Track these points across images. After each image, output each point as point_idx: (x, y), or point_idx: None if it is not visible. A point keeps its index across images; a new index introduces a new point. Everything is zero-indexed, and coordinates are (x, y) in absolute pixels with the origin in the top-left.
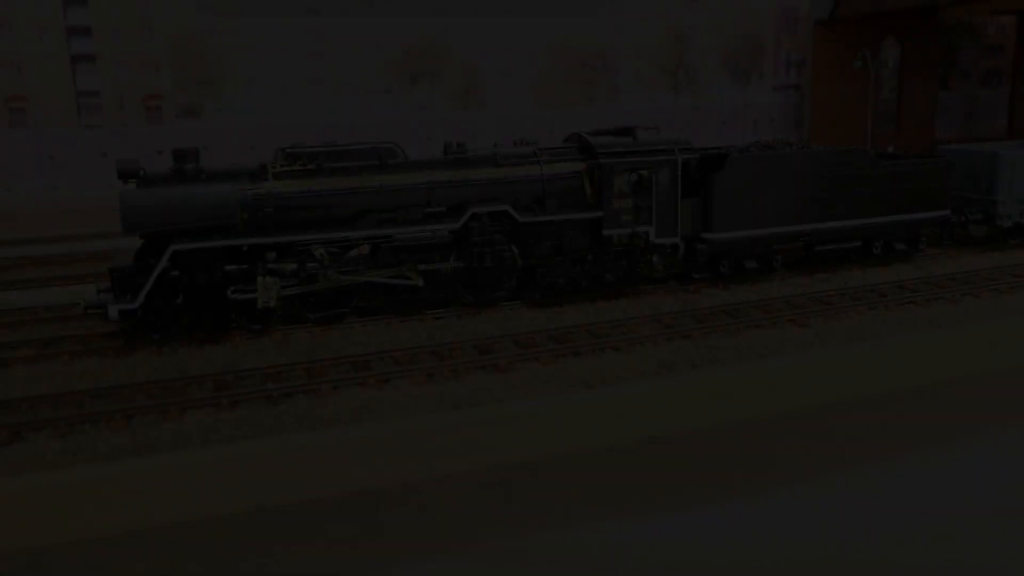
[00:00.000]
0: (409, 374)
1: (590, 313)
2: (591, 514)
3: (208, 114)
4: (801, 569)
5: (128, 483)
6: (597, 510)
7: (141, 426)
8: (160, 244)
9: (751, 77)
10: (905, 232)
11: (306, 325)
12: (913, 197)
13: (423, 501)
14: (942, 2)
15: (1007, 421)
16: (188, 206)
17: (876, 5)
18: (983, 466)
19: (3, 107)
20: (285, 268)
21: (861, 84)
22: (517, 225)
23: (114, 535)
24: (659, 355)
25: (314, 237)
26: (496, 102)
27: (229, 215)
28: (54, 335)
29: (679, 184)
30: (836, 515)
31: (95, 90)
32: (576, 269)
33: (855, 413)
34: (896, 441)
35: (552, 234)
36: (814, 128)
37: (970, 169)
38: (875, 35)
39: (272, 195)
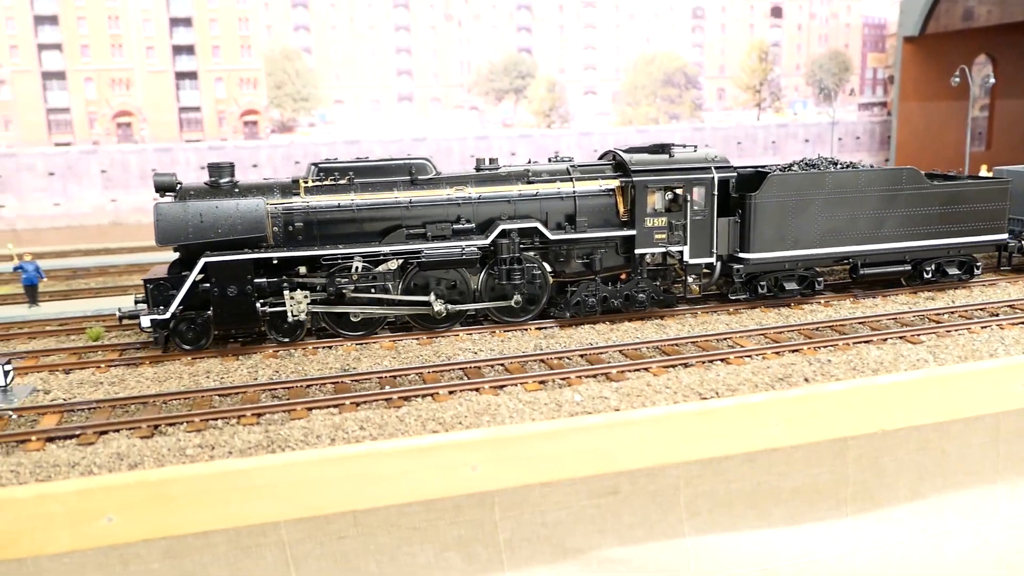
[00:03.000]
0: (522, 381)
1: (693, 327)
2: (706, 524)
3: (302, 130)
4: None
5: (263, 477)
6: (713, 519)
7: (271, 424)
8: (193, 256)
9: (837, 95)
10: (959, 256)
11: (413, 332)
12: (968, 219)
13: (538, 504)
14: None
15: None
16: (219, 219)
17: (968, 21)
18: None
19: (112, 122)
20: (314, 282)
21: (952, 102)
22: (547, 242)
23: (248, 527)
24: (772, 369)
25: (343, 251)
26: (579, 119)
27: (259, 228)
28: None
29: (715, 203)
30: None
31: (196, 106)
32: (608, 288)
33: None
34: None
35: (583, 252)
36: (900, 147)
37: None
38: (966, 52)
39: (302, 209)
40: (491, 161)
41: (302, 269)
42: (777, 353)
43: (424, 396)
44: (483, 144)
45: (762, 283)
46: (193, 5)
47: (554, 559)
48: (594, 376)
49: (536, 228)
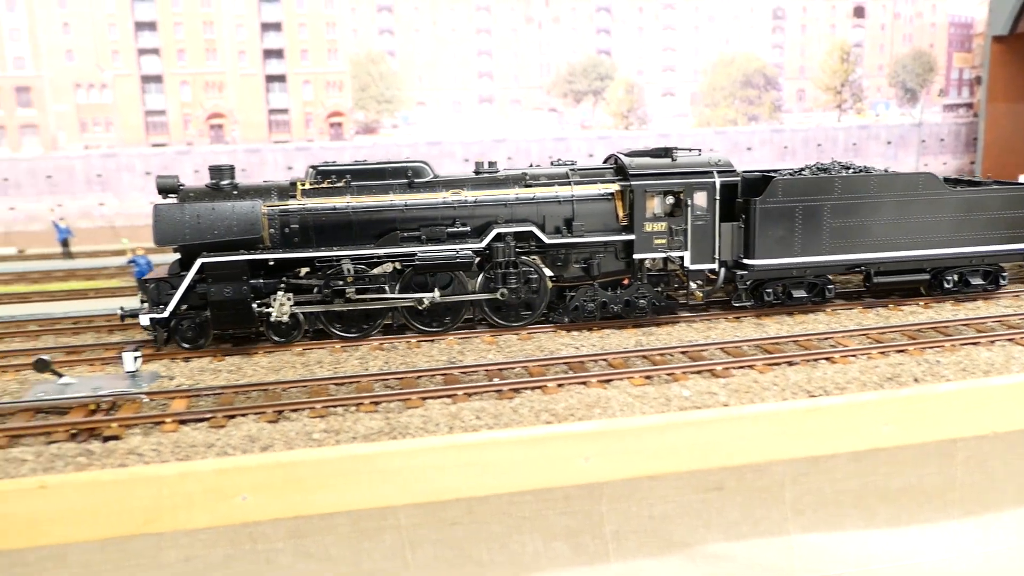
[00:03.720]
0: (628, 376)
1: (792, 326)
2: (811, 522)
3: (385, 131)
4: None
5: (385, 462)
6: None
7: (388, 412)
8: (192, 257)
9: (920, 96)
10: (983, 265)
11: (512, 328)
12: (994, 227)
13: (645, 497)
14: None
15: None
16: (216, 221)
17: None
18: None
19: (205, 124)
20: (309, 284)
21: None
22: (544, 247)
23: (369, 510)
24: (880, 368)
25: (337, 253)
26: (657, 121)
27: (254, 230)
28: None
29: (717, 207)
30: None
31: (284, 108)
32: (608, 293)
33: None
34: None
35: (581, 257)
36: (987, 149)
37: None
38: None
39: (297, 211)
40: (490, 164)
41: (304, 271)
42: (883, 353)
43: (533, 388)
44: (561, 145)
45: (768, 290)
46: (283, 10)
47: (659, 552)
48: (699, 372)
49: (532, 232)
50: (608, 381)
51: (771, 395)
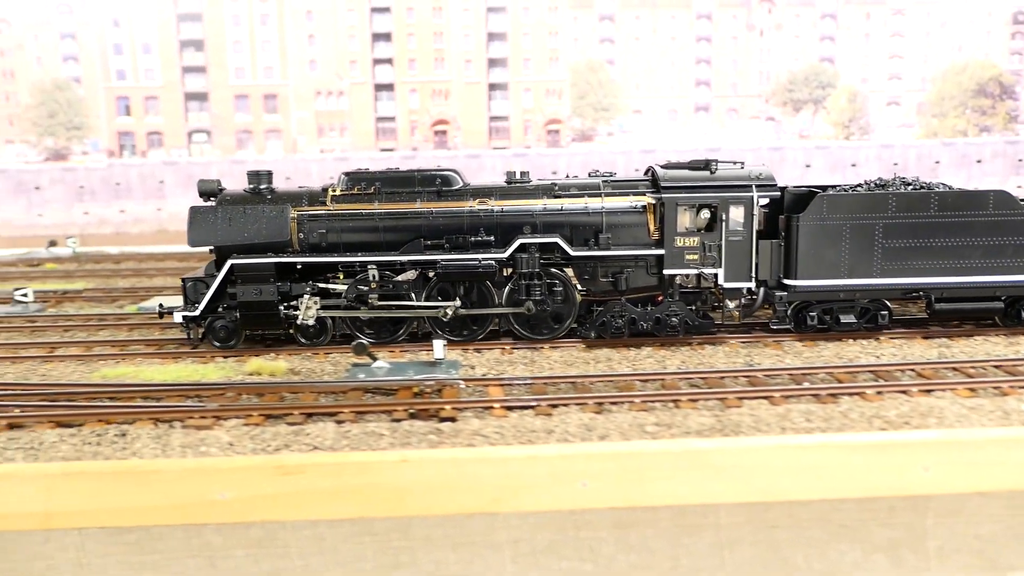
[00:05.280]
0: (951, 387)
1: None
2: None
3: (600, 139)
4: None
5: (717, 458)
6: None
7: (706, 408)
8: (224, 258)
9: None
10: None
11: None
12: None
13: (974, 515)
14: None
15: None
16: (247, 224)
17: None
18: None
19: (430, 130)
20: (334, 288)
21: None
22: (569, 259)
23: (692, 505)
24: None
25: (362, 259)
26: (880, 131)
27: (283, 234)
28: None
29: (754, 223)
30: None
31: (504, 115)
32: (637, 310)
33: None
34: None
35: (609, 271)
36: None
37: None
38: None
39: (325, 217)
40: (522, 174)
41: (340, 275)
42: None
43: (851, 394)
44: (777, 155)
45: (811, 313)
46: (509, 21)
47: (983, 575)
48: None
49: (557, 244)
50: (928, 391)
51: None
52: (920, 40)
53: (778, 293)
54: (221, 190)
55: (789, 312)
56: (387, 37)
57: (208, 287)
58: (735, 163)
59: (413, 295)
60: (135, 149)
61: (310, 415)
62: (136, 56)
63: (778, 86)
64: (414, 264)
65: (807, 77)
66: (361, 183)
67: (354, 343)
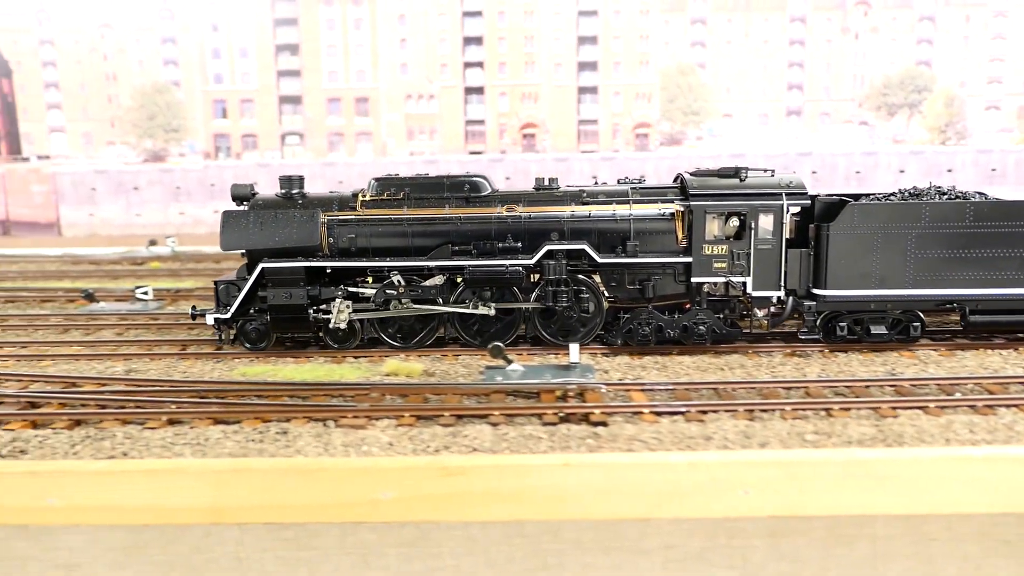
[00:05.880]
0: None
1: None
2: None
3: (689, 143)
4: None
5: (879, 468)
6: None
7: (863, 418)
8: (256, 262)
9: None
10: None
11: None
12: None
13: None
14: None
15: None
16: (278, 228)
17: None
18: None
19: (519, 133)
20: (363, 293)
21: None
22: (596, 265)
23: (847, 516)
24: None
25: (390, 264)
26: (977, 136)
27: (313, 239)
28: None
29: (784, 231)
30: None
31: (594, 119)
32: (664, 317)
33: None
34: None
35: (636, 278)
36: None
37: None
38: None
39: (354, 222)
40: (550, 181)
41: (369, 280)
42: None
43: (1008, 406)
44: (870, 160)
45: (841, 324)
46: (601, 24)
47: None
48: None
49: (584, 250)
50: None
51: None
52: (1023, 43)
53: (807, 303)
54: (254, 195)
55: (818, 322)
56: (478, 41)
57: (240, 290)
58: (765, 171)
59: (440, 300)
60: (230, 151)
61: (460, 416)
62: (233, 60)
63: (872, 90)
64: (441, 269)
65: (903, 81)
66: (391, 189)
67: (491, 346)
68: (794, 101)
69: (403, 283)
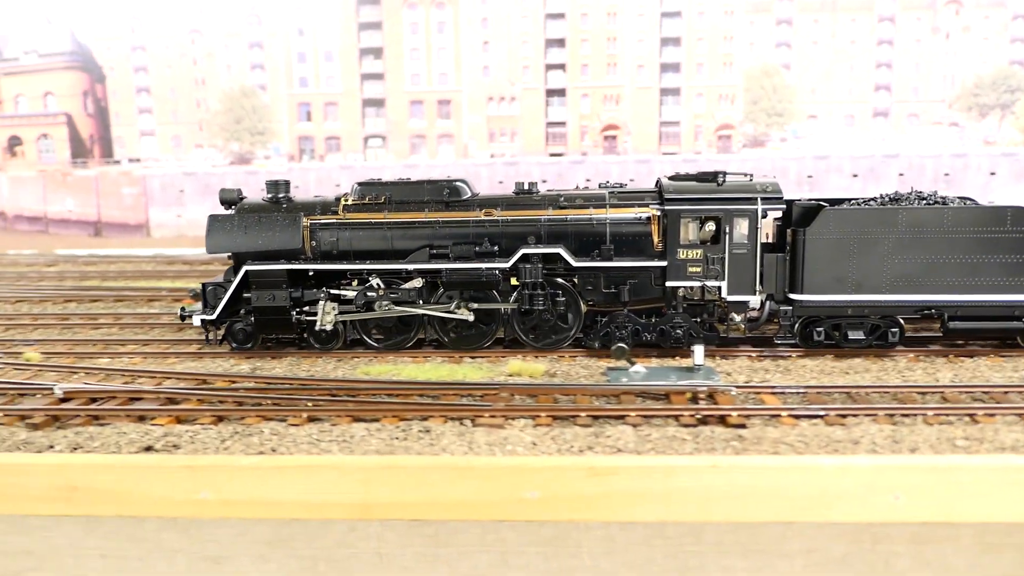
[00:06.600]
0: None
1: None
2: None
3: (773, 144)
4: None
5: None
6: None
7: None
8: (240, 265)
9: None
10: None
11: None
12: None
13: None
14: None
15: None
16: (261, 232)
17: None
18: None
19: (600, 135)
20: (345, 296)
21: None
22: (572, 269)
23: (997, 523)
24: None
25: (369, 267)
26: None
27: (295, 242)
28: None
29: (759, 236)
30: None
31: (675, 120)
32: (641, 321)
33: None
34: None
35: (611, 282)
36: None
37: None
38: None
39: (336, 226)
40: (529, 185)
41: (354, 282)
42: None
43: None
44: (959, 162)
45: (818, 329)
46: (684, 25)
47: None
48: None
49: (559, 254)
50: None
51: None
52: None
53: (783, 307)
54: (242, 199)
55: (796, 327)
56: (560, 43)
57: (226, 292)
58: (744, 175)
59: (421, 303)
60: (314, 153)
61: (595, 417)
62: (318, 64)
63: (963, 90)
64: (420, 272)
65: (995, 81)
66: (372, 193)
67: (614, 347)
68: (881, 102)
69: (382, 286)
